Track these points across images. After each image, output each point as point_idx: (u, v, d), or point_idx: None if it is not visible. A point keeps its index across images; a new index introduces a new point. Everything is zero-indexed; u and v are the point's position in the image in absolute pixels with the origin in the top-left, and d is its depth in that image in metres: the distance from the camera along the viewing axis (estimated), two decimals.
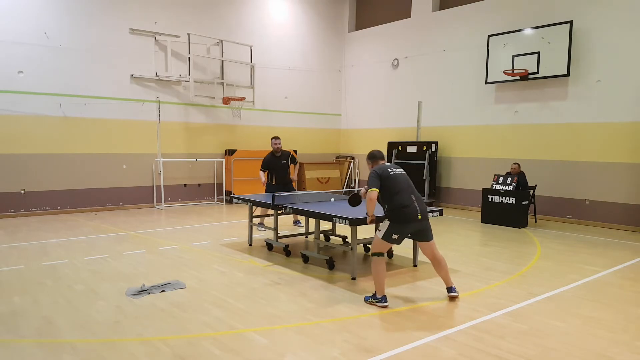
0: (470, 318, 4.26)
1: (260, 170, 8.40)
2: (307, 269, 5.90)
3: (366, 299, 4.66)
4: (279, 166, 8.35)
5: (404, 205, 4.55)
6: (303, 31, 13.99)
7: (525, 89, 10.52)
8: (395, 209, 4.56)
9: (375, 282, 4.59)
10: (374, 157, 4.92)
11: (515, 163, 9.65)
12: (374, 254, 4.65)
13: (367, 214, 4.72)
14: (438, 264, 4.80)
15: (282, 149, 8.49)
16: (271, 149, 8.47)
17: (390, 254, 6.54)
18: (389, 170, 4.70)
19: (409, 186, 4.72)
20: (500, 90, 10.99)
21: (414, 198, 4.64)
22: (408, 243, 6.60)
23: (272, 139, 8.45)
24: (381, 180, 4.60)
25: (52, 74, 9.81)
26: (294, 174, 8.70)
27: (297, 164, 8.83)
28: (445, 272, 4.80)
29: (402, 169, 4.87)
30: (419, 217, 4.58)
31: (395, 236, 4.58)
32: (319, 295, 4.85)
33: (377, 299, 4.56)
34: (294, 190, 8.57)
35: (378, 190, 4.56)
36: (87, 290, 4.96)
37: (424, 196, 12.04)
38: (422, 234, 4.73)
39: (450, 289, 4.80)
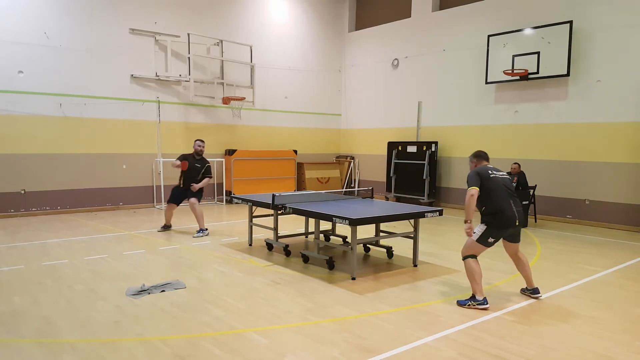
0: (470, 318, 4.26)
1: (178, 159, 8.18)
2: (307, 269, 5.89)
3: (462, 304, 4.56)
4: (190, 167, 8.07)
5: (502, 210, 4.49)
6: (303, 31, 13.99)
7: (525, 89, 10.52)
8: (495, 214, 4.51)
9: (473, 285, 4.54)
10: (479, 156, 4.83)
11: (515, 163, 9.65)
12: (466, 257, 4.63)
13: (465, 220, 4.55)
14: (520, 263, 4.86)
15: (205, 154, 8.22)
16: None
17: (390, 254, 6.54)
18: (489, 172, 4.62)
19: (509, 190, 4.62)
20: (500, 90, 10.99)
21: (512, 203, 4.55)
22: (408, 243, 6.62)
23: (195, 140, 8.27)
24: (481, 180, 4.54)
25: (52, 74, 9.80)
26: (201, 183, 8.13)
27: (209, 179, 8.27)
28: (527, 271, 4.84)
29: (505, 173, 4.77)
30: (517, 223, 4.55)
31: (491, 240, 4.56)
32: (319, 295, 4.84)
33: (479, 302, 4.49)
34: (191, 194, 8.11)
35: (478, 188, 4.48)
36: (87, 290, 4.96)
37: (423, 196, 12.05)
38: (514, 237, 4.74)
39: (534, 291, 4.84)
